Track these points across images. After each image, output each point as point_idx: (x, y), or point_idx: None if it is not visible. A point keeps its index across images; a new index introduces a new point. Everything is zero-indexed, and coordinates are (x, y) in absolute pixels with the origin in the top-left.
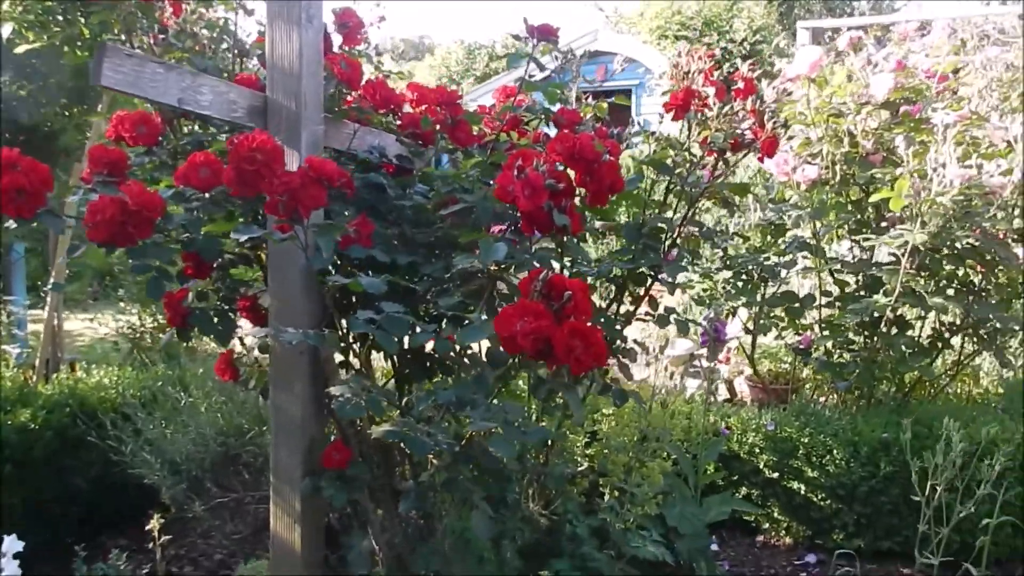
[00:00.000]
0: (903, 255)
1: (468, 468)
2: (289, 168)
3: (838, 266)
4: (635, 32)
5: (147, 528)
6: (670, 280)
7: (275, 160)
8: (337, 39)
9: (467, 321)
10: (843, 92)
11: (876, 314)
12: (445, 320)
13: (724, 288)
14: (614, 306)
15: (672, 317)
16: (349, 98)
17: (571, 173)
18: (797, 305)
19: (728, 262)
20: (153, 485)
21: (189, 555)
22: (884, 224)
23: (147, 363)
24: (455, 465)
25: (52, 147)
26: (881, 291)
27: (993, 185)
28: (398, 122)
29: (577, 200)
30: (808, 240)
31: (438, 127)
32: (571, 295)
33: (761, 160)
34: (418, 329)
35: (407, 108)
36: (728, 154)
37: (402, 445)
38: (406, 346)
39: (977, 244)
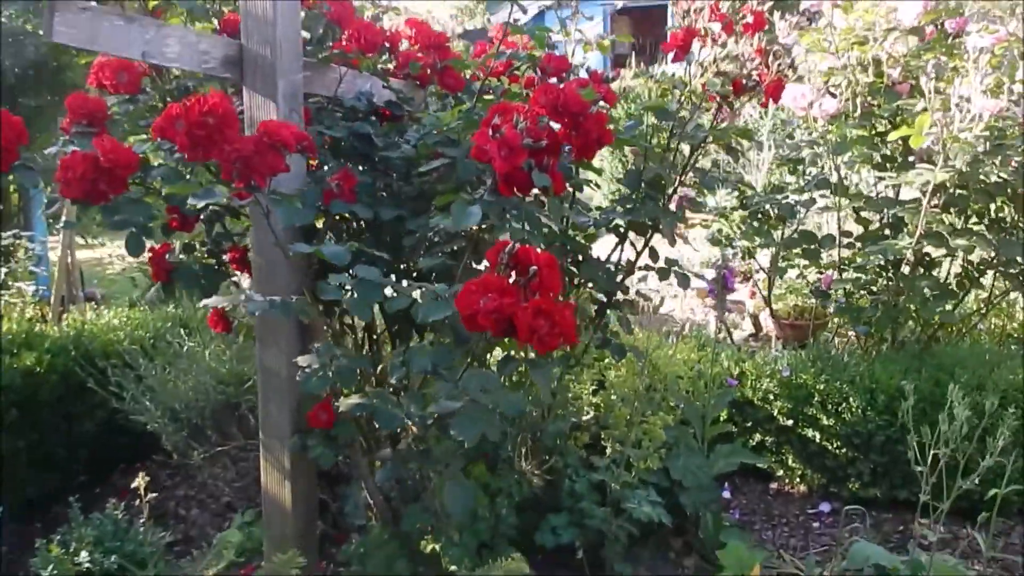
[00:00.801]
0: (924, 195)
1: (447, 439)
2: (268, 118)
3: (861, 203)
4: None
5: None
6: (678, 221)
7: (228, 124)
8: None
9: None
10: (870, 16)
11: (897, 256)
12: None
13: (740, 228)
14: (617, 253)
15: (673, 269)
16: (342, 39)
17: (557, 126)
18: (815, 247)
19: (744, 201)
20: (154, 432)
21: (198, 496)
22: (912, 159)
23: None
24: (426, 439)
25: (60, 81)
26: (904, 231)
27: None
28: (393, 64)
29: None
30: (828, 177)
31: (428, 71)
32: (536, 271)
33: (765, 105)
34: (394, 293)
35: (407, 45)
36: (732, 98)
37: None
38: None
39: (1009, 179)
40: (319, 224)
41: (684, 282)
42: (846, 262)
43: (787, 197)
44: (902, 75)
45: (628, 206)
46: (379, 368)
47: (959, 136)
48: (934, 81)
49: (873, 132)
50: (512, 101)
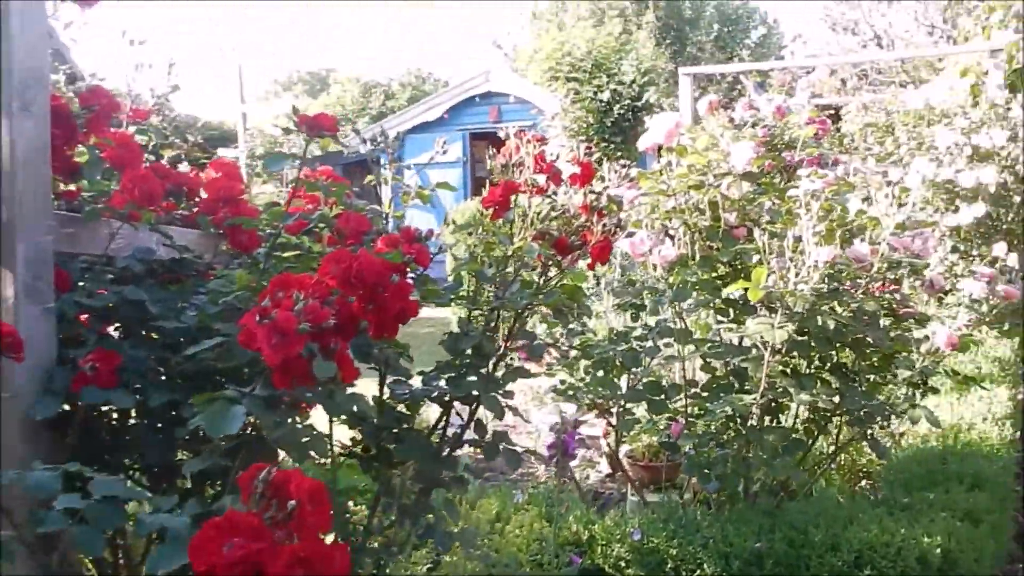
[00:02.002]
0: (765, 348)
1: None
2: (4, 292)
3: (708, 348)
4: (525, 74)
5: None
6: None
7: None
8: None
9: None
10: (703, 160)
11: (741, 412)
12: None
13: (583, 380)
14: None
15: (501, 446)
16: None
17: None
18: (662, 398)
19: (587, 349)
20: None
21: None
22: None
23: None
24: None
25: None
26: (750, 381)
27: (859, 254)
28: (188, 211)
29: None
30: (671, 324)
31: (219, 227)
32: (296, 506)
33: (591, 267)
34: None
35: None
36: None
37: None
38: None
39: (847, 326)
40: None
41: (514, 462)
42: (694, 413)
43: (630, 345)
44: (738, 219)
45: (450, 375)
46: None
47: (795, 291)
48: (771, 226)
49: (714, 276)
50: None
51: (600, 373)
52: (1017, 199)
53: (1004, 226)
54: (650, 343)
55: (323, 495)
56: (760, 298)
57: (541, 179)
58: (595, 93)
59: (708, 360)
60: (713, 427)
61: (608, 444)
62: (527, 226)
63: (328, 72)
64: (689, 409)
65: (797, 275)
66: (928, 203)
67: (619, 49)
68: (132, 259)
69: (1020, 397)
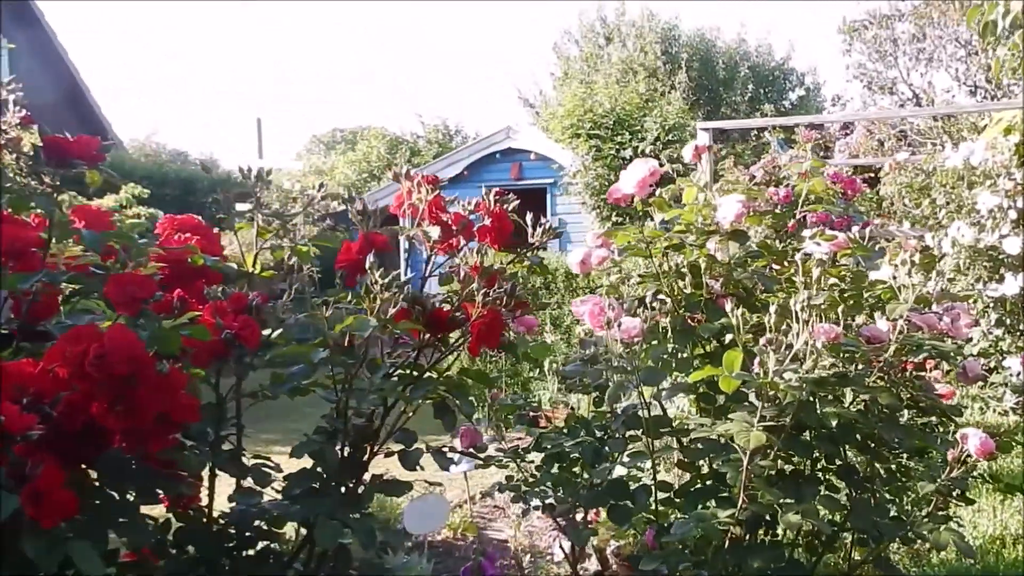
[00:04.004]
0: (745, 454)
1: None
2: None
3: (687, 442)
4: (547, 130)
5: None
6: None
7: None
8: None
9: None
10: (689, 215)
11: (718, 531)
12: None
13: (534, 476)
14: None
15: None
16: None
17: None
18: (627, 503)
19: (539, 440)
20: None
21: None
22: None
23: None
24: None
25: None
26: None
27: (876, 334)
28: None
29: None
30: (639, 412)
31: None
32: None
33: (473, 351)
34: None
35: None
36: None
37: None
38: None
39: (856, 422)
40: None
41: None
42: (667, 521)
43: (588, 439)
44: (724, 287)
45: (299, 492)
46: None
47: (775, 381)
48: (766, 296)
49: (700, 354)
50: None
51: (555, 469)
52: None
53: None
54: (616, 435)
55: None
56: (735, 388)
57: (435, 232)
58: (617, 150)
59: (683, 458)
60: (690, 542)
61: (599, 539)
62: (391, 297)
63: (362, 128)
64: (659, 513)
65: (781, 361)
66: (964, 272)
67: (642, 106)
68: None
69: None
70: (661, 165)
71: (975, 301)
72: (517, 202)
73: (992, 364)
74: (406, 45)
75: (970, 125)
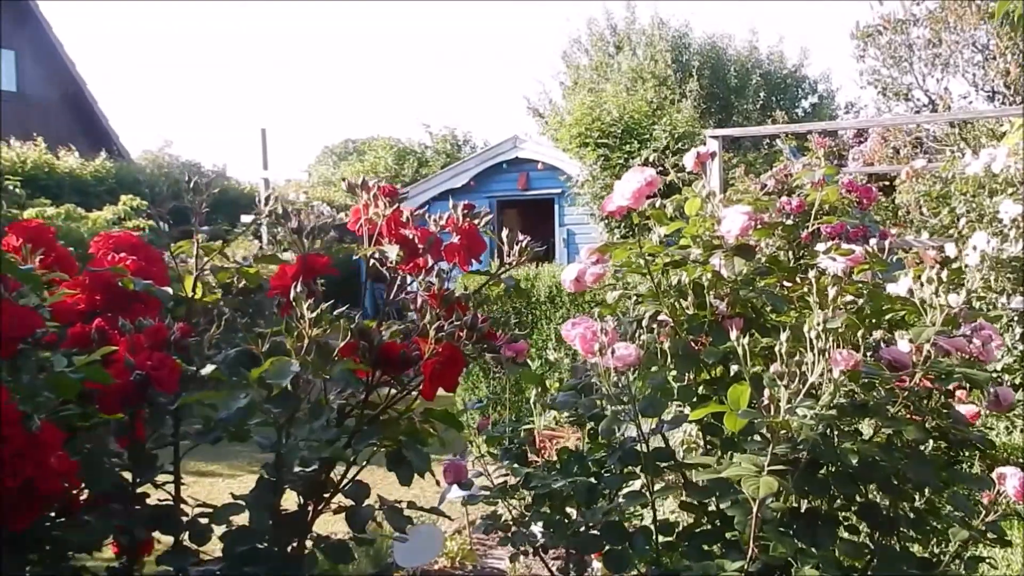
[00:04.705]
0: (753, 500)
1: None
2: None
3: (679, 489)
4: (556, 140)
5: None
6: None
7: None
8: None
9: None
10: (694, 229)
11: None
12: None
13: (525, 514)
14: None
15: None
16: None
17: None
18: (625, 546)
19: (527, 477)
20: None
21: None
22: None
23: None
24: None
25: None
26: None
27: (897, 359)
28: None
29: None
30: (636, 447)
31: None
32: None
33: (427, 395)
34: None
35: None
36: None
37: None
38: None
39: (880, 460)
40: None
41: None
42: (669, 568)
43: (582, 477)
44: (730, 308)
45: (241, 551)
46: None
47: (790, 420)
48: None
49: (704, 380)
50: None
51: (544, 509)
52: None
53: None
54: (610, 472)
55: None
56: (740, 428)
57: (394, 252)
58: (626, 160)
59: (686, 499)
60: None
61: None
62: (321, 333)
63: (371, 138)
64: (661, 560)
65: (795, 394)
66: (991, 286)
67: (651, 114)
68: None
69: None
70: (667, 174)
71: (999, 315)
72: (489, 216)
73: (1017, 380)
74: (416, 55)
75: (988, 131)
